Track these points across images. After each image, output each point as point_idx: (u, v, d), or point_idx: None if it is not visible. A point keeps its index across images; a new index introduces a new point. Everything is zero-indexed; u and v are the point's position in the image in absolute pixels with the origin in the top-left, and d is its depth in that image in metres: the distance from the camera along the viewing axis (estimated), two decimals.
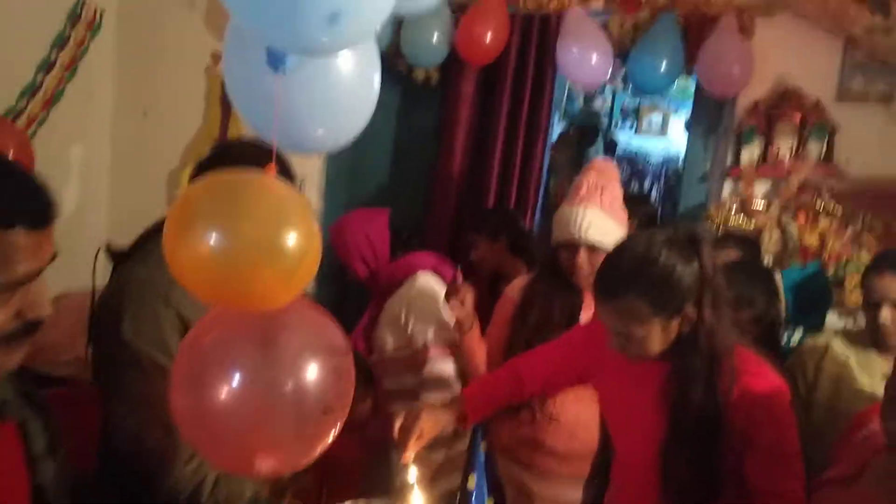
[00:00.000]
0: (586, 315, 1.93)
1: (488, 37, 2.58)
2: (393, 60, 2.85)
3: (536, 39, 2.73)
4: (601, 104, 5.68)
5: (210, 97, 3.05)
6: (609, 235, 1.88)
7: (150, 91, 3.11)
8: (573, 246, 1.87)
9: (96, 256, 1.40)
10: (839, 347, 1.91)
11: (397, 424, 1.46)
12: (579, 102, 5.62)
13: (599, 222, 1.88)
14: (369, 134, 3.34)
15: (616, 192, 1.96)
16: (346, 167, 3.10)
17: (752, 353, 1.38)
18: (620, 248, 1.38)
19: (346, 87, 1.29)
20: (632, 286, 1.29)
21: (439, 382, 2.08)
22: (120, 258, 1.41)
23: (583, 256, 1.87)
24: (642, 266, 1.30)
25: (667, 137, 5.69)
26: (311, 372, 1.22)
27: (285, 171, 1.47)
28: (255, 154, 1.33)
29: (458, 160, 2.83)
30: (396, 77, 2.95)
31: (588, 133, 4.18)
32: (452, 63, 2.76)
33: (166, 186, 3.16)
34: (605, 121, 5.29)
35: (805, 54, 2.62)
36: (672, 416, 1.35)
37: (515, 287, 2.02)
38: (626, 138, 5.76)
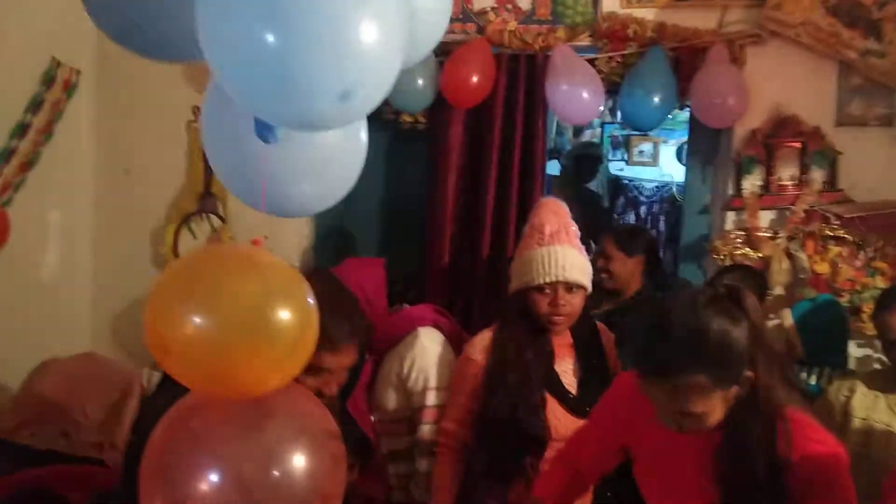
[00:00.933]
0: (560, 366, 1.88)
1: (474, 79, 2.51)
2: (379, 108, 2.77)
3: (524, 79, 2.66)
4: (590, 136, 5.65)
5: (192, 151, 2.97)
6: (584, 272, 1.88)
7: (131, 148, 3.03)
8: (551, 287, 1.83)
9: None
10: (865, 389, 1.83)
11: None
12: (569, 136, 5.59)
13: (576, 261, 1.86)
14: (358, 184, 3.25)
15: (575, 230, 1.95)
16: (334, 219, 3.01)
17: (804, 413, 1.29)
18: (663, 319, 1.23)
19: (332, 147, 1.21)
20: (688, 362, 1.18)
21: (434, 445, 1.96)
22: None
23: (563, 296, 1.83)
24: (695, 337, 1.18)
25: (658, 167, 5.64)
26: (302, 461, 1.12)
27: None
28: None
29: (450, 206, 2.74)
30: (383, 124, 2.88)
31: (586, 166, 4.09)
32: (439, 107, 2.69)
33: (150, 245, 3.05)
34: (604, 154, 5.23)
35: (800, 81, 2.58)
36: (727, 483, 1.25)
37: (476, 347, 1.91)
38: (617, 168, 5.73)
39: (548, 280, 1.82)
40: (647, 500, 1.47)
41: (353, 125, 1.16)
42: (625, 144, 5.76)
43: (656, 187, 5.58)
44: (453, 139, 2.75)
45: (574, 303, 1.85)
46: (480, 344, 1.91)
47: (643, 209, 5.85)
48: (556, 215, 1.93)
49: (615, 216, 5.43)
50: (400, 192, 3.02)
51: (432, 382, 1.97)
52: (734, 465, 1.25)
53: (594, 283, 1.95)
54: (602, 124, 5.66)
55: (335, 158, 1.19)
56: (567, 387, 1.86)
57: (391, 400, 2.03)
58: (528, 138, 2.67)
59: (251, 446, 1.09)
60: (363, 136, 1.23)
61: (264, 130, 1.05)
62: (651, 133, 5.66)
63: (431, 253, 2.80)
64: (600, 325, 2.05)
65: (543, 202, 2.02)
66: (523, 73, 2.67)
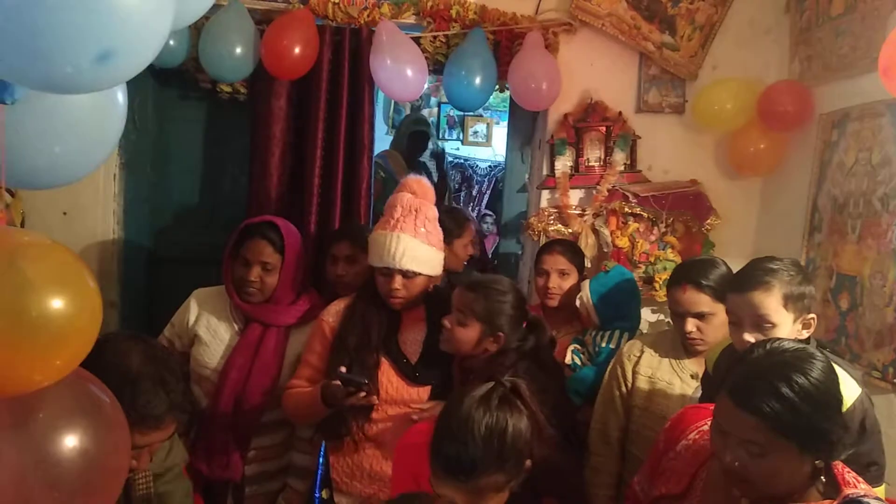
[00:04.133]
0: (404, 335, 1.93)
1: (296, 50, 2.44)
2: (193, 75, 2.63)
3: (349, 53, 2.63)
4: (427, 115, 5.72)
5: None
6: (423, 262, 1.91)
7: None
8: (388, 271, 1.89)
9: None
10: (651, 351, 2.02)
11: None
12: (406, 113, 5.63)
13: (414, 250, 1.89)
14: (172, 153, 3.06)
15: (430, 214, 1.98)
16: (146, 191, 2.82)
17: None
18: (461, 424, 1.27)
19: (83, 111, 1.11)
20: (489, 463, 1.25)
21: None
22: None
23: (398, 281, 1.89)
24: (494, 441, 1.25)
25: (492, 147, 5.85)
26: (76, 444, 1.05)
27: None
28: None
29: (274, 179, 2.66)
30: (200, 93, 2.72)
31: (418, 141, 4.15)
32: (261, 77, 2.59)
33: None
34: (433, 129, 5.31)
35: (607, 69, 2.77)
36: None
37: (332, 311, 2.00)
38: (453, 147, 5.86)
39: (384, 266, 1.88)
40: None
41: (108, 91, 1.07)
42: (460, 125, 5.90)
43: (489, 167, 5.80)
44: (277, 111, 2.66)
45: (411, 287, 1.91)
46: (335, 308, 2.00)
47: (476, 189, 6.08)
48: (412, 196, 1.95)
49: (451, 194, 5.58)
50: (221, 164, 2.89)
51: None
52: None
53: None
54: (439, 104, 5.76)
55: (86, 121, 1.08)
56: (408, 355, 1.93)
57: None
58: (353, 113, 2.64)
59: (20, 442, 1.00)
60: (120, 98, 1.13)
61: None
62: (485, 114, 5.87)
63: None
64: None
65: (406, 180, 2.01)
66: (348, 47, 2.64)
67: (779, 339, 1.24)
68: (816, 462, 1.14)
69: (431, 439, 1.29)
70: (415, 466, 1.48)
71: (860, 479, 1.22)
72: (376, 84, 2.61)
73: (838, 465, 1.21)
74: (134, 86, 2.43)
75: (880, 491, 1.66)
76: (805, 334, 1.63)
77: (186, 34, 2.49)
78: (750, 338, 1.54)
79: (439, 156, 4.44)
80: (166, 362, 1.43)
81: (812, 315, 1.63)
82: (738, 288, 1.61)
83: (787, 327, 1.58)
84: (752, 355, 1.18)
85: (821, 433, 1.11)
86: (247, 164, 2.75)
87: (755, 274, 1.60)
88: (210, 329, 2.09)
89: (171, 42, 2.47)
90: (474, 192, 5.94)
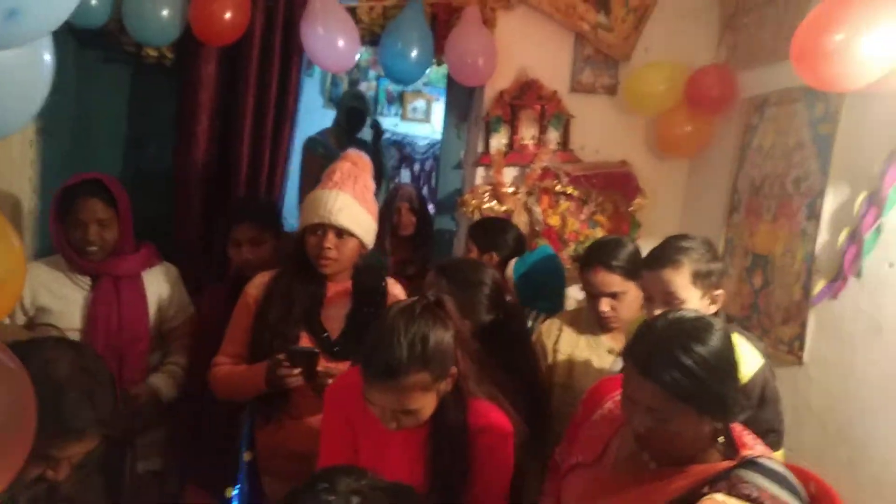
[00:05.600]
0: (330, 309, 1.92)
1: (227, 15, 2.36)
2: (117, 37, 2.51)
3: (283, 20, 2.57)
4: (365, 89, 5.65)
5: None
6: (358, 222, 1.89)
7: None
8: (322, 228, 1.86)
9: None
10: (569, 329, 2.08)
11: None
12: (344, 87, 5.54)
13: (351, 208, 1.88)
14: (93, 119, 2.93)
15: (368, 184, 1.98)
16: (64, 157, 2.69)
17: (484, 400, 1.51)
18: (388, 330, 1.36)
19: (4, 67, 1.06)
20: (414, 362, 1.34)
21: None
22: None
23: (331, 239, 1.86)
24: (418, 342, 1.35)
25: (430, 123, 5.83)
26: None
27: None
28: None
29: (202, 147, 2.59)
30: (124, 56, 2.61)
31: (354, 117, 4.09)
32: (189, 43, 2.50)
33: None
34: (371, 105, 5.25)
35: (542, 48, 2.79)
36: (433, 462, 1.45)
37: (257, 283, 1.96)
38: (392, 124, 5.81)
39: (317, 220, 1.85)
40: None
41: (33, 43, 1.02)
42: (399, 100, 5.85)
43: (429, 144, 5.77)
44: (206, 78, 2.59)
45: (343, 249, 1.88)
46: (260, 280, 1.96)
47: (416, 166, 6.05)
48: (352, 164, 1.94)
49: (387, 171, 5.54)
50: (145, 131, 2.78)
51: None
52: (439, 445, 1.45)
53: None
54: (378, 78, 5.69)
55: (7, 78, 1.03)
56: (329, 330, 1.90)
57: None
58: (283, 81, 2.59)
59: None
60: (46, 56, 1.08)
61: None
62: (425, 90, 5.83)
63: (181, 194, 2.64)
64: (391, 279, 2.08)
65: (347, 153, 2.02)
66: (282, 14, 2.57)
67: (681, 310, 1.31)
68: (716, 424, 1.21)
69: (362, 351, 1.38)
70: (346, 407, 1.52)
71: (758, 440, 1.31)
72: (307, 53, 2.55)
73: (737, 429, 1.29)
74: (53, 46, 2.30)
75: (779, 455, 1.76)
76: (713, 309, 1.71)
77: None
78: (651, 310, 1.63)
79: (375, 134, 4.39)
80: (97, 374, 1.36)
81: (719, 291, 1.72)
82: (649, 265, 1.70)
83: (694, 303, 1.66)
84: (654, 326, 1.24)
85: (717, 397, 1.18)
86: (172, 132, 2.66)
87: (666, 252, 1.68)
88: (56, 296, 2.07)
89: (93, 1, 2.35)
90: (416, 170, 5.92)
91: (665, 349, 1.18)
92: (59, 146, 2.68)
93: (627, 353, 1.25)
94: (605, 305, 1.96)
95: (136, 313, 2.13)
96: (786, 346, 2.12)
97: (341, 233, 1.86)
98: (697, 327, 1.21)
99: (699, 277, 1.65)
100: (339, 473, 0.98)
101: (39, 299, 2.05)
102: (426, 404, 1.39)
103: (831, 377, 1.95)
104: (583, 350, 2.02)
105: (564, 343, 2.03)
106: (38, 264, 2.12)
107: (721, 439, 1.24)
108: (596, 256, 1.98)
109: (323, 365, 1.77)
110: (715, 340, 1.19)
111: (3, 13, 0.82)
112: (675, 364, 1.16)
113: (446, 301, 1.43)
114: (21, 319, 2.05)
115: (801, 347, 2.05)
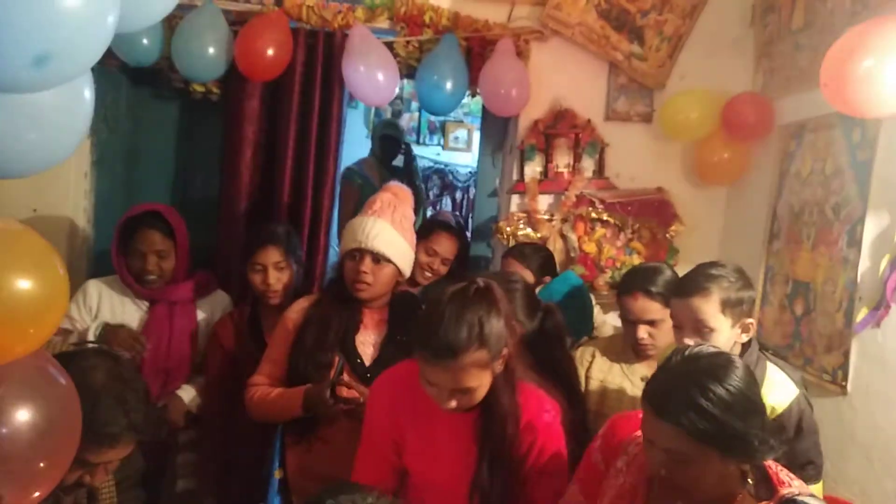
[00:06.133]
0: (364, 335, 1.93)
1: (269, 52, 2.47)
2: (167, 74, 2.65)
3: (322, 56, 2.66)
4: (408, 119, 5.77)
5: None
6: (395, 248, 1.93)
7: None
8: (359, 253, 1.90)
9: None
10: (602, 356, 2.07)
11: None
12: (387, 118, 5.67)
13: (388, 234, 1.92)
14: (143, 152, 3.07)
15: (407, 214, 2.03)
16: (118, 190, 2.83)
17: (532, 385, 1.58)
18: (444, 312, 1.39)
19: (43, 102, 1.12)
20: (473, 340, 1.39)
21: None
22: None
23: (367, 264, 1.90)
24: (476, 322, 1.39)
25: (472, 152, 5.90)
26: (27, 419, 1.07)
27: None
28: None
29: (245, 180, 2.69)
30: (173, 92, 2.74)
31: (389, 145, 4.15)
32: (234, 78, 2.61)
33: None
34: (405, 132, 5.32)
35: (576, 77, 2.82)
36: (484, 443, 1.49)
37: (297, 308, 2.00)
38: (434, 153, 5.91)
39: (354, 246, 1.90)
40: (420, 478, 1.60)
41: (72, 87, 1.09)
42: (441, 130, 5.94)
43: (470, 173, 5.84)
44: (250, 112, 2.69)
45: (378, 275, 1.91)
46: (300, 305, 2.00)
47: (458, 194, 6.12)
48: (393, 196, 2.00)
49: (429, 199, 5.62)
50: (193, 163, 2.91)
51: None
52: (490, 427, 1.47)
53: None
54: (420, 109, 5.81)
55: (51, 114, 1.10)
56: (363, 356, 1.93)
57: None
58: (324, 115, 2.67)
59: None
60: (87, 94, 1.15)
61: None
62: (466, 120, 5.92)
63: (225, 224, 2.73)
64: None
65: (387, 185, 2.09)
66: (321, 51, 2.67)
67: (699, 344, 1.27)
68: (742, 465, 1.17)
69: (417, 335, 1.42)
70: (392, 399, 1.56)
71: (794, 476, 1.26)
72: (348, 88, 2.64)
73: (772, 466, 1.24)
74: (106, 84, 2.45)
75: (818, 489, 1.71)
76: (744, 338, 1.68)
77: (160, 33, 2.51)
78: (690, 342, 1.58)
79: (406, 156, 4.42)
80: (131, 382, 1.42)
81: (751, 320, 1.69)
82: (679, 293, 1.67)
83: (725, 332, 1.63)
84: (669, 363, 1.21)
85: (740, 438, 1.14)
86: (218, 164, 2.77)
87: (696, 280, 1.65)
88: (115, 312, 2.20)
89: (145, 41, 2.49)
90: (458, 198, 5.99)
91: (681, 389, 1.14)
92: (112, 177, 2.82)
93: (644, 394, 1.22)
94: (642, 332, 1.94)
95: (186, 338, 2.26)
96: (829, 376, 2.06)
97: (378, 258, 1.90)
98: (715, 364, 1.17)
99: (729, 306, 1.62)
100: (345, 489, 1.00)
101: (101, 312, 2.19)
102: (483, 383, 1.41)
103: (876, 407, 1.89)
104: (616, 377, 2.00)
105: (597, 370, 2.03)
106: (99, 282, 2.25)
107: (751, 480, 1.20)
108: (634, 283, 1.97)
109: (346, 388, 1.78)
110: (735, 378, 1.15)
111: (34, 59, 0.85)
112: (691, 405, 1.12)
113: (493, 286, 1.46)
114: (85, 324, 2.17)
115: (845, 377, 1.99)
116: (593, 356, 2.05)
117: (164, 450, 2.20)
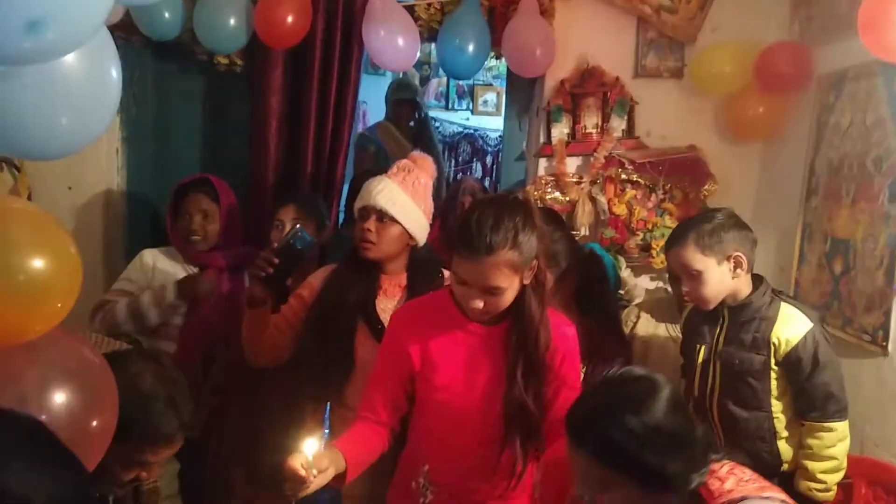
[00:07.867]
0: (382, 301, 1.94)
1: (289, 19, 2.44)
2: (190, 47, 2.65)
3: (342, 21, 2.63)
4: (436, 85, 5.71)
5: None
6: (401, 208, 1.90)
7: None
8: (365, 212, 1.90)
9: None
10: (648, 316, 2.09)
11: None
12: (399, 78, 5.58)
13: (393, 194, 1.90)
14: (171, 126, 3.10)
15: (422, 180, 1.99)
16: (148, 164, 2.87)
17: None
18: (484, 215, 1.44)
19: (71, 84, 1.13)
20: (507, 240, 1.42)
21: None
22: None
23: (372, 222, 1.89)
24: (512, 224, 1.44)
25: (502, 116, 5.81)
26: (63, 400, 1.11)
27: None
28: None
29: (272, 149, 2.69)
30: (198, 65, 2.75)
31: (403, 109, 4.05)
32: (257, 49, 2.60)
33: None
34: (419, 91, 5.15)
35: (603, 34, 2.74)
36: (514, 356, 1.53)
37: (319, 275, 2.02)
38: (463, 118, 5.84)
39: (361, 204, 1.91)
40: (446, 406, 1.58)
41: (93, 56, 1.09)
42: (470, 94, 5.87)
43: (500, 137, 5.76)
44: (274, 82, 2.68)
45: (384, 234, 1.89)
46: (322, 273, 2.03)
47: (489, 158, 6.05)
48: (411, 162, 1.98)
49: (458, 165, 5.57)
50: (222, 135, 2.92)
51: None
52: (523, 332, 1.51)
53: None
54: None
55: (75, 98, 1.10)
56: (383, 321, 1.92)
57: None
58: (342, 81, 2.65)
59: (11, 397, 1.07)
60: (114, 73, 1.13)
61: None
62: (495, 83, 5.82)
63: (255, 194, 2.75)
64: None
65: (414, 153, 2.07)
66: (341, 16, 2.63)
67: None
68: (669, 497, 1.14)
69: (454, 236, 1.48)
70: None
71: (745, 473, 1.20)
72: (368, 53, 2.60)
73: (708, 480, 1.17)
74: (132, 59, 2.44)
75: (843, 427, 1.69)
76: (740, 273, 1.71)
77: (181, 6, 2.51)
78: (686, 288, 1.70)
79: (421, 126, 4.26)
80: (177, 383, 1.50)
81: (738, 252, 1.70)
82: (665, 248, 1.76)
83: (713, 271, 1.69)
84: (593, 389, 1.23)
85: (657, 473, 1.10)
86: (246, 135, 2.78)
87: (675, 231, 1.74)
88: (168, 278, 2.27)
89: (167, 14, 2.49)
90: (489, 163, 5.93)
91: (598, 420, 1.13)
92: (142, 153, 2.86)
93: (567, 416, 1.21)
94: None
95: (233, 303, 2.29)
96: (869, 336, 2.00)
97: (382, 216, 1.87)
98: (637, 393, 1.14)
99: (706, 245, 1.67)
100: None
101: (155, 279, 2.27)
102: (512, 286, 1.45)
103: None
104: (661, 335, 2.01)
105: (641, 329, 2.06)
106: (154, 251, 2.36)
107: None
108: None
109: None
110: (656, 409, 1.11)
111: (25, 25, 0.78)
112: (605, 438, 1.11)
113: (531, 200, 1.51)
114: (141, 287, 2.26)
115: (886, 337, 1.93)
116: (638, 317, 2.08)
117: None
